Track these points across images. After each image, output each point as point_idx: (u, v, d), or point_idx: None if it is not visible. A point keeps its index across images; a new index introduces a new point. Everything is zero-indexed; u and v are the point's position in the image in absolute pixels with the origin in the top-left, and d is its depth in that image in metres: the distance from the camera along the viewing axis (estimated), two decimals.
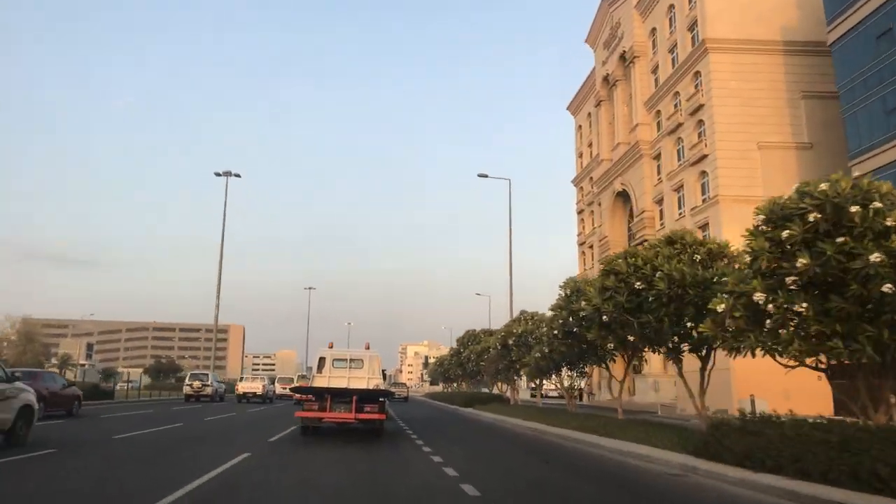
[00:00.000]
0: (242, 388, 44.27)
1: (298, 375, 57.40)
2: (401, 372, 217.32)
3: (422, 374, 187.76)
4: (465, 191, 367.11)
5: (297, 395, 20.84)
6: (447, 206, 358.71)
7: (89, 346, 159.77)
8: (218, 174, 69.55)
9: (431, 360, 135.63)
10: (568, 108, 72.53)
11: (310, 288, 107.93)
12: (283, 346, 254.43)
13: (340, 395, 15.58)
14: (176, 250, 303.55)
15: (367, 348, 19.52)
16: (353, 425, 16.47)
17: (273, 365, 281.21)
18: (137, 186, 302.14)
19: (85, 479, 8.94)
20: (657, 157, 50.07)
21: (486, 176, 39.92)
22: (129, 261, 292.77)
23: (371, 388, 17.25)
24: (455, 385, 69.82)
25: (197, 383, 40.79)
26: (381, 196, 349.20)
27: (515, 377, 35.80)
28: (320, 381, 18.01)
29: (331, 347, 19.52)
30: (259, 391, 43.35)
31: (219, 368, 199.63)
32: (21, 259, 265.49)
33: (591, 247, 64.75)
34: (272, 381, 50.98)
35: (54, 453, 11.37)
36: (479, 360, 40.24)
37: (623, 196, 56.13)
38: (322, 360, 18.79)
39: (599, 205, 61.78)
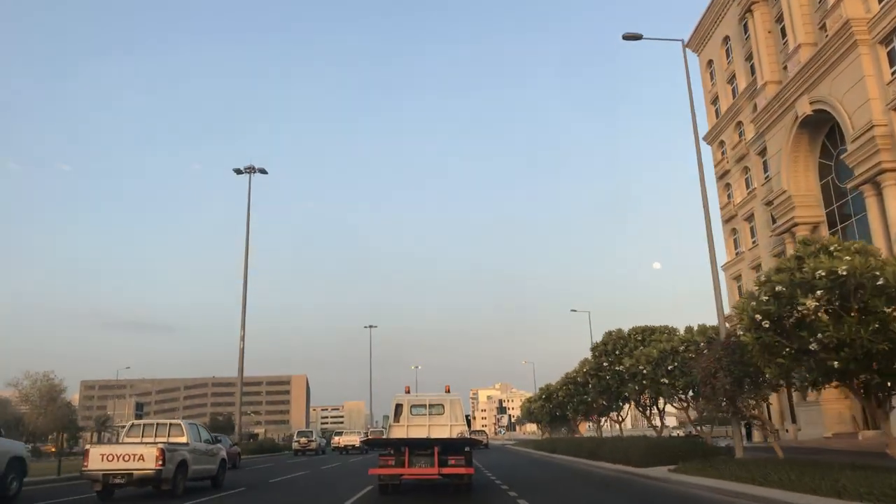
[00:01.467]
0: (342, 441, 51.93)
1: (383, 427, 58.83)
2: (474, 419, 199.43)
3: (497, 420, 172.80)
4: (536, 207, 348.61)
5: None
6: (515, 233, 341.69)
7: (139, 406, 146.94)
8: (239, 171, 54.73)
9: (522, 399, 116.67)
10: (688, 46, 54.14)
11: (370, 326, 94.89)
12: (350, 395, 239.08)
13: (420, 447, 13.81)
14: (234, 307, 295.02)
15: (448, 391, 17.61)
16: (438, 481, 14.58)
17: (342, 417, 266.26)
18: (200, 248, 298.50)
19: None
20: (886, 39, 31.26)
21: (638, 37, 22.01)
22: (198, 322, 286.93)
23: (455, 436, 15.72)
24: (564, 429, 52.34)
25: (304, 439, 48.77)
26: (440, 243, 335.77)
27: (757, 403, 17.20)
28: (398, 431, 16.46)
29: (407, 392, 17.74)
30: (356, 443, 50.09)
31: (281, 423, 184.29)
32: (101, 327, 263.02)
33: (750, 217, 45.48)
34: (366, 433, 55.16)
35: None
36: (655, 376, 21.64)
37: (811, 125, 37.14)
38: (399, 408, 17.03)
39: (761, 154, 42.80)
